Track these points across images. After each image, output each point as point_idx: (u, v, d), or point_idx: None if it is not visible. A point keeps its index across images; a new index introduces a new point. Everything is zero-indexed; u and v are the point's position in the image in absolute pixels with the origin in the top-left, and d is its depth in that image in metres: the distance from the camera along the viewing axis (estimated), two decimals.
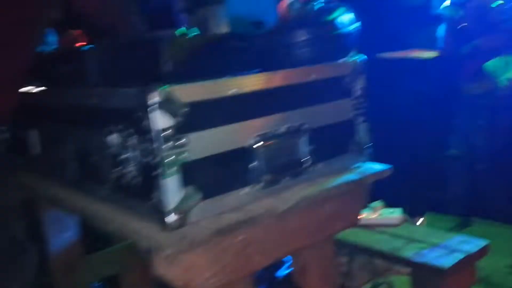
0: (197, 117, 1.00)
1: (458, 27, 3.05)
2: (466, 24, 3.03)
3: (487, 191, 3.26)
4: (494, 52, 2.91)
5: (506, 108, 3.07)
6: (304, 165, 1.20)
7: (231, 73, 1.12)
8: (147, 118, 0.95)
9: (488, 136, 3.24)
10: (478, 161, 3.32)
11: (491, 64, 2.92)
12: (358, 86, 1.29)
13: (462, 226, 3.18)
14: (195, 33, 1.27)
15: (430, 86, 3.20)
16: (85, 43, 1.93)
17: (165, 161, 0.95)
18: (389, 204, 2.08)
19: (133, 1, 1.71)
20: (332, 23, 1.19)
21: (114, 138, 1.09)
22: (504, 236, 2.90)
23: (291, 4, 4.56)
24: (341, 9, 1.21)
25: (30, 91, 1.54)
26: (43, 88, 1.53)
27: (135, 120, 0.99)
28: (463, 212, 3.29)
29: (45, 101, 1.50)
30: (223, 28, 2.76)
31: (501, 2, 2.90)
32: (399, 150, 3.14)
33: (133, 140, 1.03)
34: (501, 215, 3.11)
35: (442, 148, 3.43)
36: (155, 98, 0.94)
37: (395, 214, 2.01)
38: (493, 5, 2.94)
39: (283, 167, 1.16)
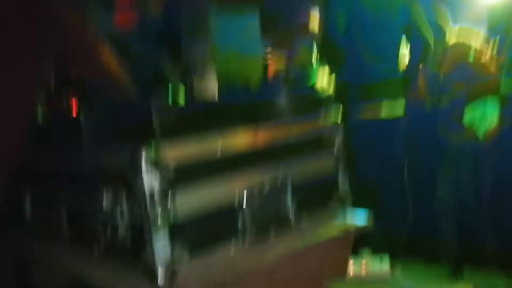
0: (185, 175, 1.05)
1: (437, 79, 3.16)
2: (445, 75, 3.13)
3: (478, 239, 3.27)
4: (471, 101, 2.99)
5: (490, 156, 3.13)
6: (290, 219, 1.24)
7: (217, 132, 1.18)
8: (137, 179, 1.00)
9: (475, 185, 3.28)
10: (466, 209, 3.36)
11: (468, 117, 2.98)
12: (338, 139, 1.36)
13: (454, 275, 3.17)
14: (183, 94, 1.34)
15: (413, 139, 3.27)
16: (77, 107, 2.00)
17: (154, 220, 0.99)
18: (377, 251, 2.09)
19: (126, 63, 1.80)
20: (312, 83, 1.27)
21: (105, 199, 1.13)
22: (496, 284, 2.89)
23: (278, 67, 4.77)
24: (319, 71, 1.30)
25: (26, 154, 1.59)
26: (38, 151, 1.58)
27: (125, 181, 1.04)
28: (455, 261, 3.28)
29: (40, 164, 1.54)
30: (212, 89, 2.87)
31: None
32: (388, 199, 3.17)
33: (124, 201, 1.07)
34: (493, 262, 3.11)
35: (431, 198, 3.46)
36: (144, 158, 0.99)
37: (383, 265, 2.02)
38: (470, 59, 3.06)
39: (269, 221, 1.20)
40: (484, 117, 2.88)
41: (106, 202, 1.13)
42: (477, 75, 3.02)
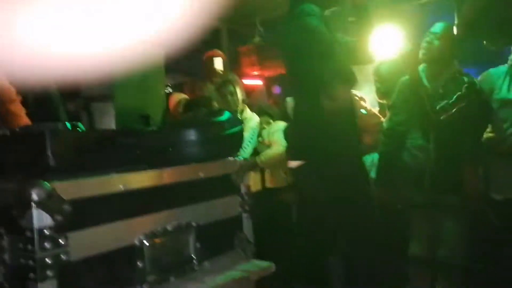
0: (80, 215, 0.95)
1: None
2: None
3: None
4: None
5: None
6: (191, 263, 1.18)
7: (117, 170, 1.10)
8: (23, 217, 0.89)
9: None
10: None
11: None
12: (243, 183, 1.34)
13: None
14: (80, 128, 1.24)
15: None
16: None
17: (41, 264, 0.88)
18: None
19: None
20: (219, 124, 1.24)
21: None
22: None
23: (179, 102, 4.64)
24: (227, 113, 1.28)
25: None
26: None
27: (8, 219, 0.91)
28: None
29: None
30: (111, 124, 2.73)
31: (365, 112, 3.26)
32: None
33: (5, 241, 0.94)
34: None
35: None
36: (33, 195, 0.88)
37: None
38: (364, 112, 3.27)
39: (170, 266, 1.13)
40: (373, 165, 3.08)
41: None
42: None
